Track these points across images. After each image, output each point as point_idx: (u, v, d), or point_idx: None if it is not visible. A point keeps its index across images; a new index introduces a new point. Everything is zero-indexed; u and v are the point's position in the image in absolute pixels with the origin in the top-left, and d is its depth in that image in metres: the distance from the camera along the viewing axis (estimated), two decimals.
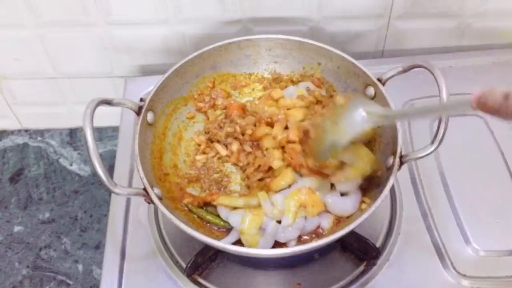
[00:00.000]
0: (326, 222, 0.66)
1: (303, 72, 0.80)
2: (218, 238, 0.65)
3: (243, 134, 0.74)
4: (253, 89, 0.83)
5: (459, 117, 0.85)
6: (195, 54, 0.75)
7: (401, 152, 0.63)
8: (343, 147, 0.59)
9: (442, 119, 0.60)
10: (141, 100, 0.69)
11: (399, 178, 0.79)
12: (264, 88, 0.82)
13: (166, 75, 0.72)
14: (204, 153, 0.76)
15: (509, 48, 0.97)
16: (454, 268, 0.69)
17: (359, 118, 0.57)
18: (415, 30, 0.95)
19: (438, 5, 0.90)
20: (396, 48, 0.98)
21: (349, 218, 0.67)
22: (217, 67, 0.78)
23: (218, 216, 0.68)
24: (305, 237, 0.66)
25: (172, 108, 0.76)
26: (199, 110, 0.80)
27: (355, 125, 0.58)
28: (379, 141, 0.71)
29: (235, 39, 0.76)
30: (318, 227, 0.66)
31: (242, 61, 0.79)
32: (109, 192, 0.62)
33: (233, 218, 0.65)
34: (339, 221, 0.67)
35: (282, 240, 0.65)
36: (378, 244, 0.72)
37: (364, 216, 0.58)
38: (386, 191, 0.60)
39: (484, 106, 0.44)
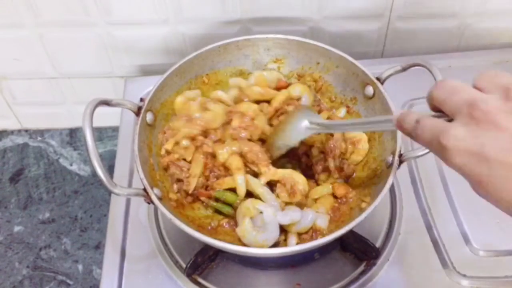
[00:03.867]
0: (323, 222, 0.66)
1: (301, 72, 0.80)
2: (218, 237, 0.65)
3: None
4: None
5: None
6: (194, 54, 0.75)
7: (400, 151, 0.63)
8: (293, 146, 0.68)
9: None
10: (141, 100, 0.69)
11: (399, 178, 0.79)
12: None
13: (165, 75, 0.72)
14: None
15: (509, 48, 0.97)
16: (454, 268, 0.69)
17: (303, 126, 0.66)
18: (415, 30, 0.95)
19: (438, 5, 0.90)
20: (396, 48, 0.98)
21: (349, 217, 0.67)
22: (216, 67, 0.78)
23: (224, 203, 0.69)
24: (305, 236, 0.66)
25: (172, 108, 0.76)
26: None
27: (299, 132, 0.66)
28: (379, 140, 0.71)
29: (233, 39, 0.76)
30: (315, 227, 0.66)
31: (241, 61, 0.79)
32: (109, 192, 0.62)
33: None
34: (335, 220, 0.67)
35: (286, 222, 0.64)
36: (378, 244, 0.72)
37: (364, 214, 0.58)
38: (386, 189, 0.60)
39: (400, 127, 0.47)
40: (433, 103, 0.44)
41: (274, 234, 0.64)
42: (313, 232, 0.66)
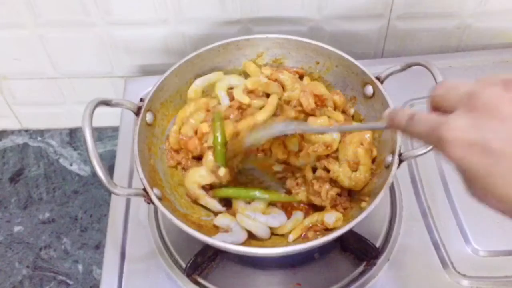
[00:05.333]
0: (329, 218, 0.66)
1: (301, 72, 0.80)
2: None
3: None
4: None
5: None
6: (193, 54, 0.75)
7: (400, 150, 0.63)
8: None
9: None
10: (141, 100, 0.69)
11: (399, 178, 0.79)
12: None
13: (165, 75, 0.72)
14: None
15: (509, 48, 0.97)
16: (454, 268, 0.69)
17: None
18: (415, 30, 0.95)
19: (438, 5, 0.90)
20: (396, 48, 0.98)
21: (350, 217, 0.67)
22: (216, 67, 0.78)
23: None
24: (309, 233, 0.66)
25: (171, 108, 0.76)
26: None
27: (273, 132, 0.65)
28: (378, 139, 0.71)
29: (233, 39, 0.76)
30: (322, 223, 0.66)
31: (240, 61, 0.79)
32: (109, 192, 0.62)
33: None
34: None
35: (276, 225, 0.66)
36: (378, 244, 0.72)
37: (364, 214, 0.58)
38: (386, 188, 0.60)
39: (392, 123, 0.44)
40: (432, 103, 0.42)
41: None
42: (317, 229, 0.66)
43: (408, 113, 0.42)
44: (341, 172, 0.67)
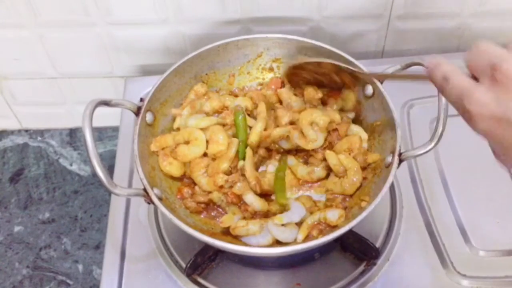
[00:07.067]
0: (333, 215, 0.66)
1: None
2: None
3: None
4: None
5: (459, 117, 0.84)
6: (193, 54, 0.75)
7: (400, 150, 0.63)
8: None
9: (441, 116, 0.60)
10: (141, 100, 0.69)
11: (399, 178, 0.79)
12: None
13: (164, 75, 0.72)
14: None
15: None
16: (454, 268, 0.69)
17: None
18: (415, 30, 0.95)
19: (438, 5, 0.90)
20: (396, 48, 0.98)
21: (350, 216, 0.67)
22: (215, 67, 0.78)
23: None
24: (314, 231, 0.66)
25: (171, 108, 0.76)
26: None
27: None
28: (378, 139, 0.71)
29: (233, 39, 0.76)
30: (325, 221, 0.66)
31: (240, 61, 0.79)
32: (109, 192, 0.62)
33: None
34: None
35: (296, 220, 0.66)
36: (378, 244, 0.72)
37: (364, 213, 0.58)
38: (386, 188, 0.60)
39: (430, 76, 0.44)
40: (467, 68, 0.42)
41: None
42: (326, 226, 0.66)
43: (444, 71, 0.42)
44: (329, 181, 0.70)
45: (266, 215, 0.67)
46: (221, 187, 0.68)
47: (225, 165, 0.69)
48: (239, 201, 0.68)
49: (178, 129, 0.74)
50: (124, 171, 0.82)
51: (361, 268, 0.70)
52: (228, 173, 0.69)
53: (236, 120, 0.72)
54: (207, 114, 0.74)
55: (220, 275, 0.70)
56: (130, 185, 0.80)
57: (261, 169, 0.74)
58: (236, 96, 0.78)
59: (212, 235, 0.63)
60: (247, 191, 0.67)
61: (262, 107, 0.74)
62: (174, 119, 0.75)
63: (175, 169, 0.70)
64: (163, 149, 0.70)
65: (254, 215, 0.67)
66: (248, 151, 0.70)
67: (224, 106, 0.75)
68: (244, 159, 0.70)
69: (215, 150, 0.70)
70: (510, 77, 0.36)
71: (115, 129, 1.03)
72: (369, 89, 0.71)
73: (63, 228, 0.96)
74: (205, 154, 0.71)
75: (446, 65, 0.43)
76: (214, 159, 0.70)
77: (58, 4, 0.87)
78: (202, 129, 0.71)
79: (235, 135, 0.72)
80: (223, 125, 0.73)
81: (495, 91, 0.37)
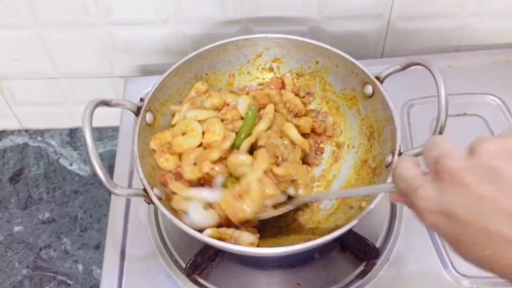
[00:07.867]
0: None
1: (300, 71, 0.80)
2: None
3: None
4: None
5: (459, 117, 0.85)
6: (193, 54, 0.74)
7: (400, 150, 0.63)
8: None
9: (441, 116, 0.60)
10: (141, 100, 0.69)
11: None
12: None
13: (164, 75, 0.72)
14: None
15: (509, 48, 0.97)
16: (454, 268, 0.69)
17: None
18: (415, 30, 0.95)
19: (438, 5, 0.90)
20: (396, 48, 0.98)
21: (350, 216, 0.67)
22: (215, 67, 0.78)
23: None
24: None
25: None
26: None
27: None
28: (378, 139, 0.71)
29: (233, 39, 0.76)
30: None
31: (240, 61, 0.79)
32: (109, 193, 0.62)
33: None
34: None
35: None
36: (378, 244, 0.72)
37: (364, 213, 0.58)
38: None
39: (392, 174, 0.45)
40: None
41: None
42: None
43: (397, 163, 0.44)
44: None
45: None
46: (207, 175, 0.67)
47: (215, 155, 0.67)
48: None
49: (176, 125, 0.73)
50: (124, 171, 0.82)
51: (361, 268, 0.70)
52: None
53: (248, 112, 0.72)
54: None
55: (220, 275, 0.70)
56: (130, 185, 0.80)
57: None
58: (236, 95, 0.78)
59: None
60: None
61: (270, 108, 0.74)
62: (173, 117, 0.75)
63: (171, 165, 0.69)
64: (161, 146, 0.70)
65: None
66: (245, 143, 0.70)
67: (224, 103, 0.75)
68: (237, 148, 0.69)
69: (210, 140, 0.69)
70: (451, 173, 0.36)
71: (115, 129, 1.03)
72: (369, 89, 0.71)
73: (63, 228, 0.96)
74: (200, 146, 0.70)
75: (402, 157, 0.44)
76: (206, 148, 0.70)
77: (58, 4, 0.87)
78: (200, 121, 0.71)
79: (233, 131, 0.72)
80: (222, 120, 0.73)
81: (438, 185, 0.37)
